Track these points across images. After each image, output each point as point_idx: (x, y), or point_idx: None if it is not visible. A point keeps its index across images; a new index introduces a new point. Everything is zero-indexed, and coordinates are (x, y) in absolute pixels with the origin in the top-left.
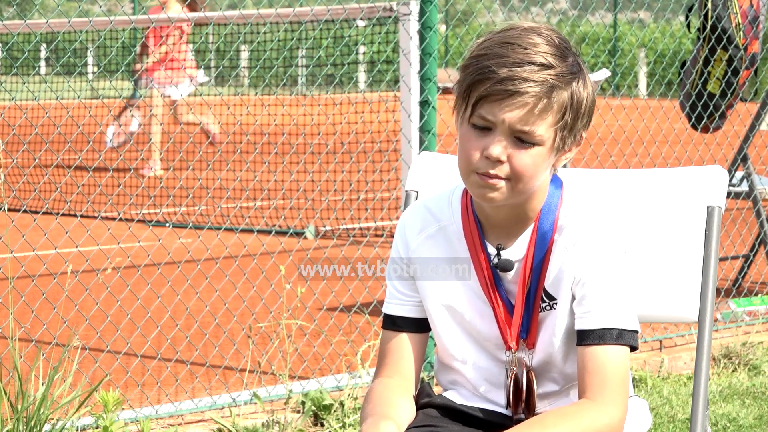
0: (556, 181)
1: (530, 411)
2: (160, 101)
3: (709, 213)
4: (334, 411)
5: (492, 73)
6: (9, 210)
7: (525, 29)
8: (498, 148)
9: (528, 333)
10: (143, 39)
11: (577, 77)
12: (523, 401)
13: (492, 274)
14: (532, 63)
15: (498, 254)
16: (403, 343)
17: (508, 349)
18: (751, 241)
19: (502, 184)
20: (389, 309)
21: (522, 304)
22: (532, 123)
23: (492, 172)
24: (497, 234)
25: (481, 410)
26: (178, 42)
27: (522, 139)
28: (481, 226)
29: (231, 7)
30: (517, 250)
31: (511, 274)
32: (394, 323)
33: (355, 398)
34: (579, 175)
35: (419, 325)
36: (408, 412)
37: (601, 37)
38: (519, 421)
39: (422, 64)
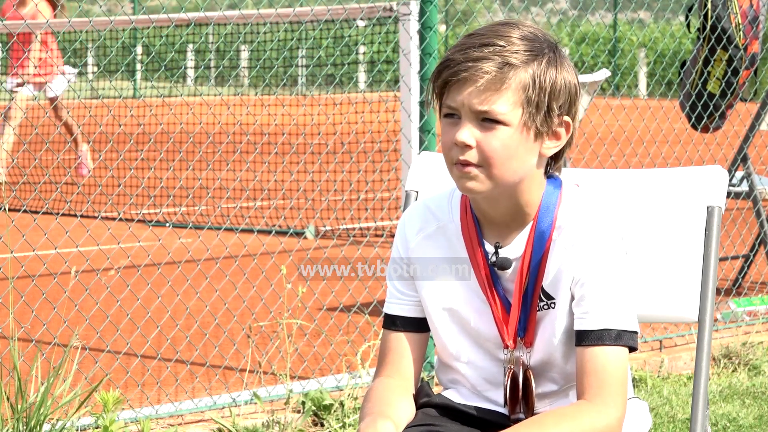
0: (555, 181)
1: (529, 410)
2: (20, 105)
3: (709, 213)
4: (334, 411)
5: (449, 61)
6: (9, 210)
7: (496, 23)
8: (464, 132)
9: (525, 331)
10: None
11: (540, 57)
12: (520, 400)
13: (489, 272)
14: (485, 45)
15: (496, 252)
16: (403, 342)
17: (506, 347)
18: (751, 241)
19: (476, 171)
20: (389, 309)
21: (519, 302)
22: (487, 100)
23: (462, 158)
24: (495, 232)
25: (480, 409)
26: (45, 41)
27: (487, 119)
28: (479, 224)
29: (231, 7)
30: (515, 249)
31: (508, 273)
32: (394, 323)
33: (355, 398)
34: (579, 175)
35: (419, 325)
36: (407, 412)
37: (601, 37)
38: (518, 420)
39: (422, 64)
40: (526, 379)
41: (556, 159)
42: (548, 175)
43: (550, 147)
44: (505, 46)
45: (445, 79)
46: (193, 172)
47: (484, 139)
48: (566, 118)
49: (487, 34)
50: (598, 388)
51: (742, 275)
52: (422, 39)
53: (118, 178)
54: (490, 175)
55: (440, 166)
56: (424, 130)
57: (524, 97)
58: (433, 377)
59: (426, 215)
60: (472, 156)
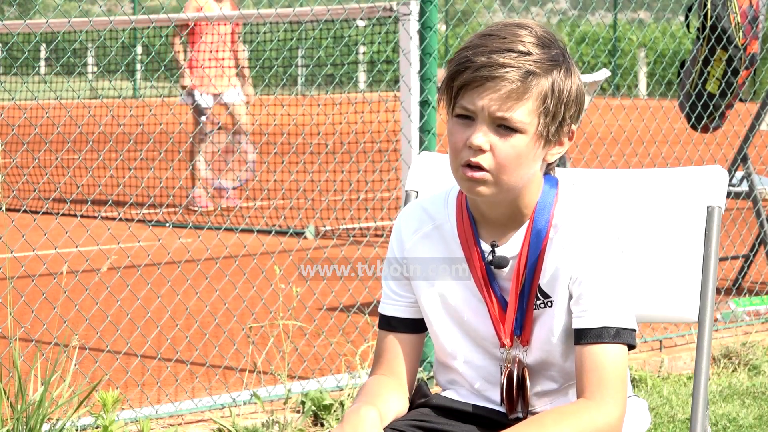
0: (551, 180)
1: (525, 408)
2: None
3: (709, 213)
4: (334, 411)
5: (470, 62)
6: (9, 210)
7: (509, 23)
8: (480, 136)
9: (522, 330)
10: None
11: (559, 66)
12: (517, 399)
13: (486, 271)
14: (509, 50)
15: (492, 251)
16: (398, 343)
17: (502, 345)
18: (751, 241)
19: (485, 176)
20: (384, 309)
21: (516, 301)
22: (509, 108)
23: (474, 160)
24: (492, 231)
25: (479, 408)
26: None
27: (503, 126)
28: (475, 223)
29: None
30: (511, 248)
31: (505, 272)
32: (389, 324)
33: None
34: (578, 175)
35: (414, 326)
36: (396, 405)
37: (601, 37)
38: (517, 420)
39: (422, 64)
40: (522, 377)
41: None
42: (544, 173)
43: (554, 153)
44: (528, 53)
45: (466, 80)
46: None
47: (499, 145)
48: (573, 126)
49: (507, 38)
50: (598, 386)
51: (742, 275)
52: (422, 39)
53: (118, 178)
54: (498, 181)
55: (440, 166)
56: (424, 130)
57: (543, 107)
58: (431, 378)
59: (421, 216)
60: (484, 160)
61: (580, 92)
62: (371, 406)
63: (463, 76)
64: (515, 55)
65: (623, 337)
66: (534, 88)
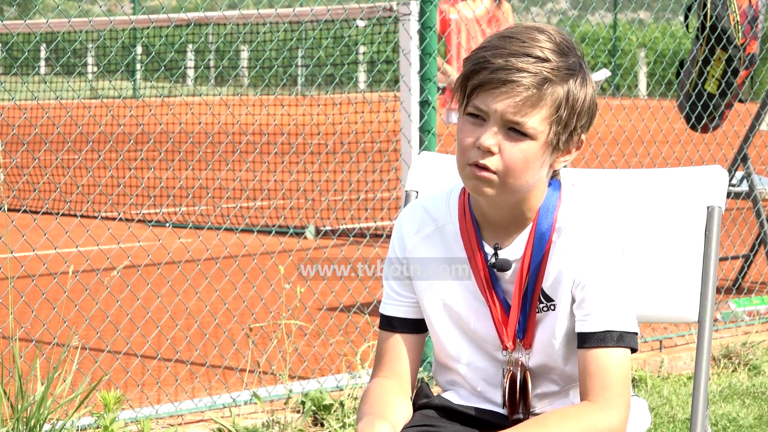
0: (554, 183)
1: (526, 411)
2: None
3: (709, 213)
4: (334, 411)
5: (488, 63)
6: (9, 210)
7: (528, 26)
8: (490, 138)
9: (525, 333)
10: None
11: (576, 75)
12: (518, 401)
13: (489, 274)
14: (528, 55)
15: (495, 254)
16: (399, 343)
17: (505, 349)
18: (751, 241)
19: (492, 177)
20: (385, 310)
21: (519, 304)
22: (524, 114)
23: (482, 161)
24: (494, 234)
25: (480, 410)
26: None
27: (515, 130)
28: (478, 225)
29: (231, 7)
30: (514, 250)
31: (508, 274)
32: (390, 324)
33: (355, 398)
34: (578, 176)
35: (415, 326)
36: (404, 413)
37: (601, 37)
38: (517, 421)
39: (422, 64)
40: (524, 380)
41: None
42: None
43: (561, 162)
44: (546, 60)
45: (482, 81)
46: (193, 172)
47: (508, 148)
48: (583, 136)
49: (527, 42)
50: (601, 389)
51: (742, 275)
52: (422, 39)
53: (118, 178)
54: (504, 183)
55: (440, 166)
56: (424, 130)
57: (556, 115)
58: (432, 377)
59: (423, 216)
60: (492, 162)
61: (593, 102)
62: (384, 420)
63: (479, 77)
64: (533, 60)
65: (626, 340)
66: (549, 96)
